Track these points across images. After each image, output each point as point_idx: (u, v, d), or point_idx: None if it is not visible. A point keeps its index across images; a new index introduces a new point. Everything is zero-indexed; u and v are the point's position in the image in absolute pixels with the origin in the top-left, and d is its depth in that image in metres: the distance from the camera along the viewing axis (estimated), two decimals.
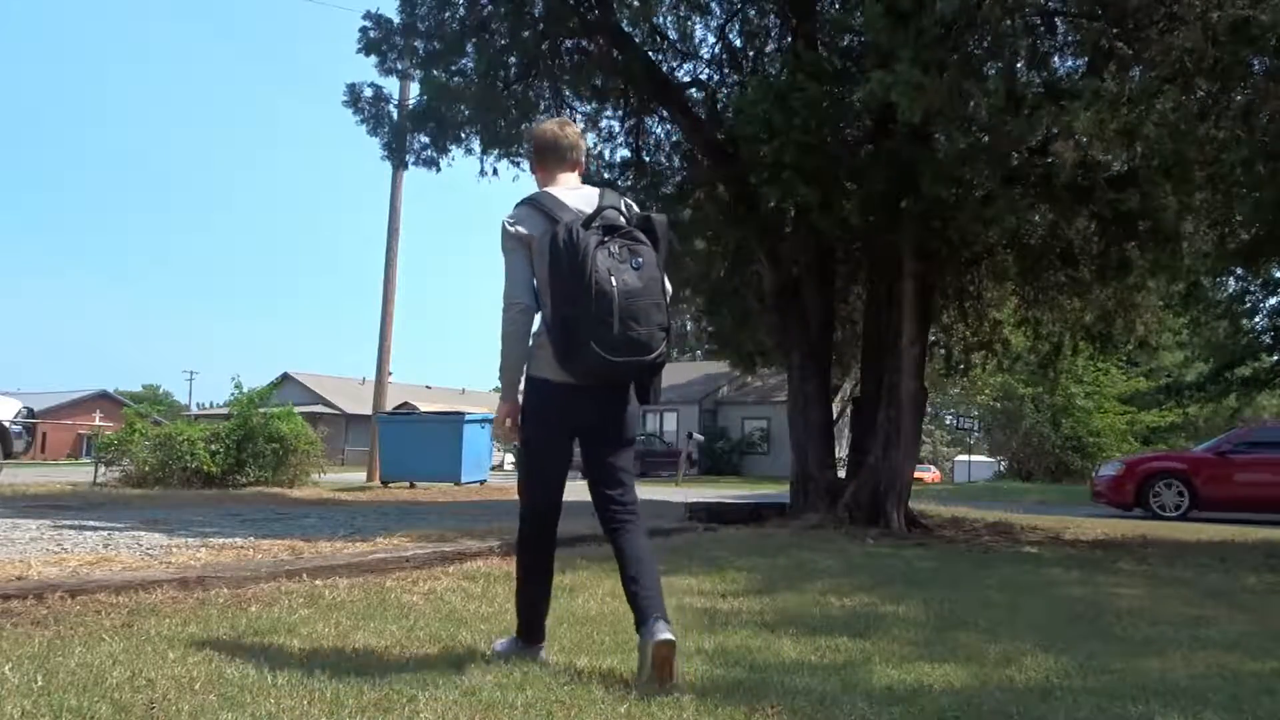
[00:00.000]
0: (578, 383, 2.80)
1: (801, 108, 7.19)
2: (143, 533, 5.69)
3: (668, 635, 2.65)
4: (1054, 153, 6.50)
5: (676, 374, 37.64)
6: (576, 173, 3.02)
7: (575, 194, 2.89)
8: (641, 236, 2.83)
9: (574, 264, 2.66)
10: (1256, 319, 21.95)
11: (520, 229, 2.81)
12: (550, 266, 2.73)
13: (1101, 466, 15.57)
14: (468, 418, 15.30)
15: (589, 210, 2.79)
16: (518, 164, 10.88)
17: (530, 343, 2.87)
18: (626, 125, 11.15)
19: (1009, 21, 6.55)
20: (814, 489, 9.38)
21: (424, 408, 30.48)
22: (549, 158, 3.00)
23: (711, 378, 34.37)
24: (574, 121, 3.17)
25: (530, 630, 3.00)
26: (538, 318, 2.87)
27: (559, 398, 2.85)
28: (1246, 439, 13.70)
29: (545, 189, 2.93)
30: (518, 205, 2.88)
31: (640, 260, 2.79)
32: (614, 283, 2.68)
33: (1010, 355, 12.85)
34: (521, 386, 2.93)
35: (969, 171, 7.06)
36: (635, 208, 2.93)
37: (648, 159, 11.20)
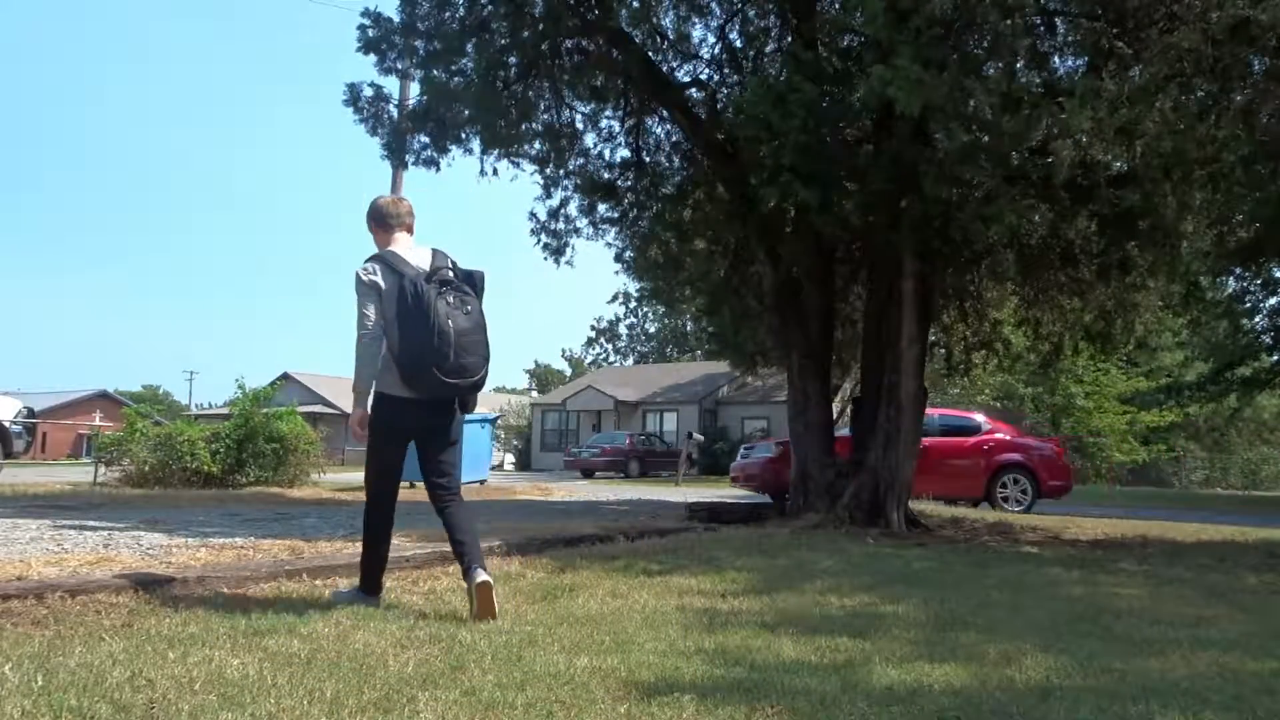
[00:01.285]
0: (418, 397, 3.69)
1: (800, 108, 7.19)
2: (143, 533, 5.69)
3: (486, 578, 3.62)
4: (1053, 152, 6.50)
5: (677, 374, 37.66)
6: (409, 234, 3.89)
7: (412, 253, 3.78)
8: (468, 289, 3.76)
9: (420, 309, 3.55)
10: (1256, 319, 21.97)
11: (374, 279, 3.67)
12: (399, 310, 3.59)
13: (755, 448, 14.39)
14: (467, 418, 15.27)
15: (426, 266, 3.71)
16: (517, 164, 10.89)
17: (379, 366, 3.70)
18: (626, 125, 11.15)
19: (1008, 21, 6.55)
20: (814, 489, 9.38)
21: None
22: (386, 224, 3.88)
23: (711, 378, 34.36)
24: (406, 199, 4.03)
25: (372, 584, 3.90)
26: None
27: (402, 408, 3.74)
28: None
29: (388, 248, 3.80)
30: (368, 260, 3.75)
31: (469, 307, 3.72)
32: (451, 324, 3.59)
33: (1010, 355, 12.80)
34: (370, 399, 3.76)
35: (969, 171, 7.06)
36: (458, 263, 3.83)
37: (648, 159, 11.20)
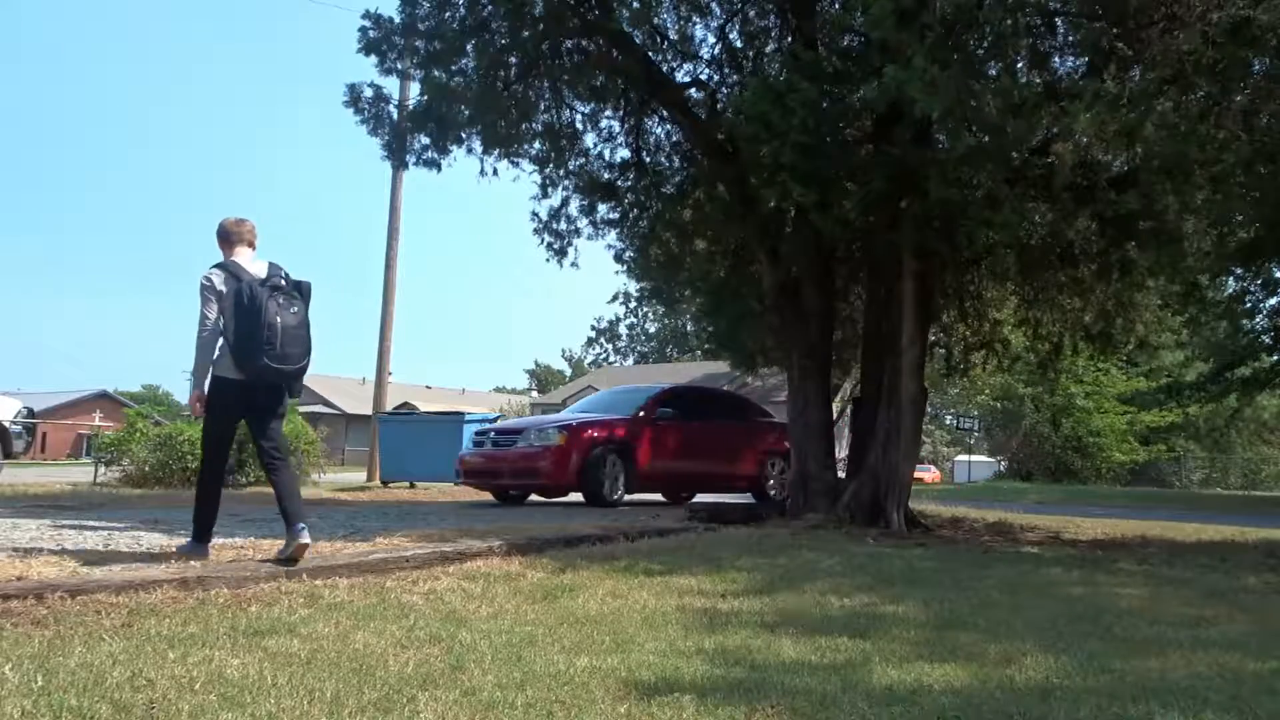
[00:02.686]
0: (249, 380, 4.50)
1: (800, 108, 7.19)
2: (143, 533, 5.68)
3: (307, 539, 4.50)
4: (1054, 153, 6.50)
5: (677, 374, 37.62)
6: (251, 248, 4.68)
7: (251, 265, 4.58)
8: (296, 294, 4.61)
9: (254, 308, 4.38)
10: (1256, 319, 21.95)
11: (216, 284, 4.45)
12: (236, 308, 4.39)
13: (504, 432, 10.83)
14: (468, 417, 15.27)
15: (262, 275, 4.53)
16: (517, 164, 10.88)
17: (215, 354, 4.49)
18: (626, 125, 11.14)
19: (1009, 21, 6.55)
20: (814, 489, 9.38)
21: (424, 408, 30.41)
22: (229, 241, 4.65)
23: (711, 378, 34.31)
24: (250, 219, 4.76)
25: (204, 534, 4.73)
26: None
27: (235, 390, 4.55)
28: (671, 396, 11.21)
29: (231, 259, 4.58)
30: (212, 267, 4.53)
31: (295, 309, 4.55)
32: (279, 320, 4.43)
33: (1010, 355, 12.78)
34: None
35: (973, 173, 7.06)
36: (290, 274, 4.66)
37: (648, 159, 11.19)
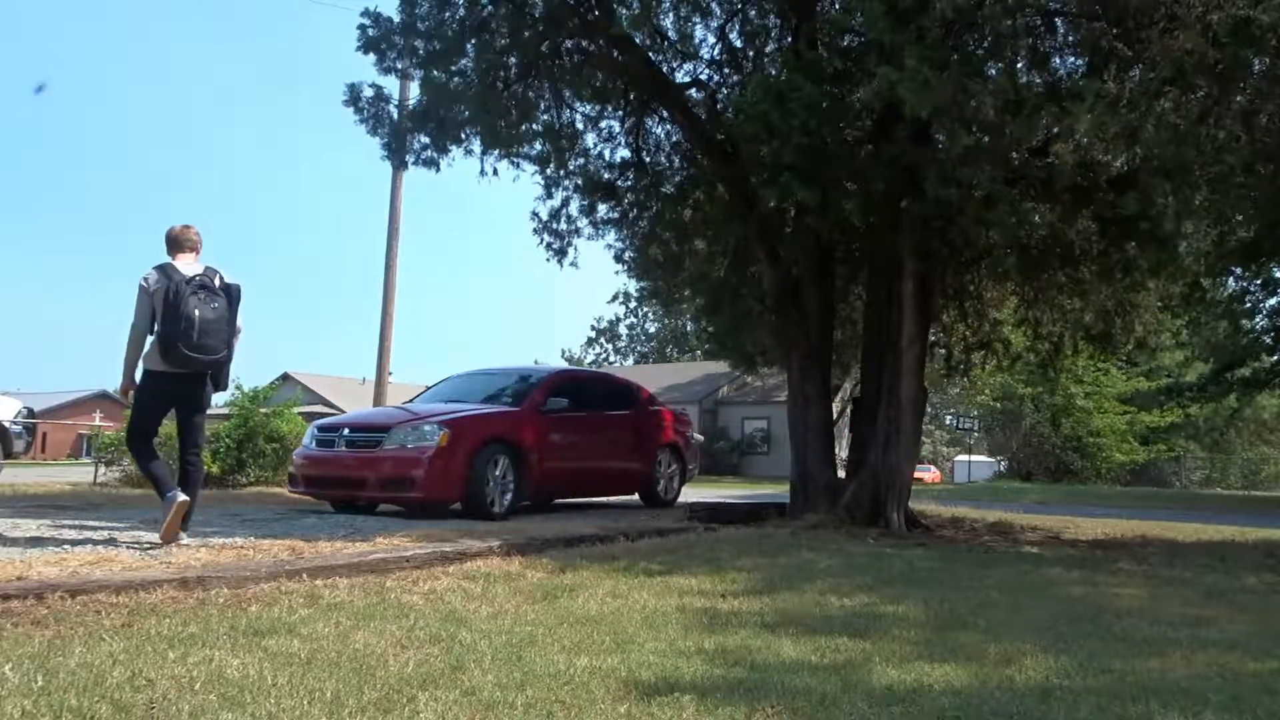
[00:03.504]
0: (173, 370, 5.00)
1: (800, 108, 7.19)
2: (143, 533, 5.69)
3: (185, 498, 5.10)
4: (1054, 153, 6.50)
5: (676, 374, 37.66)
6: (194, 254, 5.19)
7: (188, 267, 5.08)
8: (221, 293, 5.09)
9: (177, 302, 4.88)
10: (1256, 319, 21.97)
11: (150, 284, 4.98)
12: (164, 304, 4.90)
13: (364, 429, 8.21)
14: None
15: (195, 275, 5.05)
16: (517, 164, 10.89)
17: (145, 348, 5.05)
18: (626, 125, 11.15)
19: (1009, 22, 6.55)
20: (814, 489, 9.38)
21: None
22: (175, 245, 5.17)
23: (711, 378, 34.37)
24: (194, 227, 5.27)
25: (166, 487, 5.08)
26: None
27: (162, 381, 5.08)
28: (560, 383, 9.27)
29: (171, 262, 5.08)
30: (152, 269, 5.03)
31: (215, 304, 5.03)
32: (198, 314, 4.92)
33: (1010, 355, 12.79)
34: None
35: (970, 172, 7.06)
36: (226, 278, 5.18)
37: (648, 159, 11.20)
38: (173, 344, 4.88)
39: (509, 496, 7.95)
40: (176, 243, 5.21)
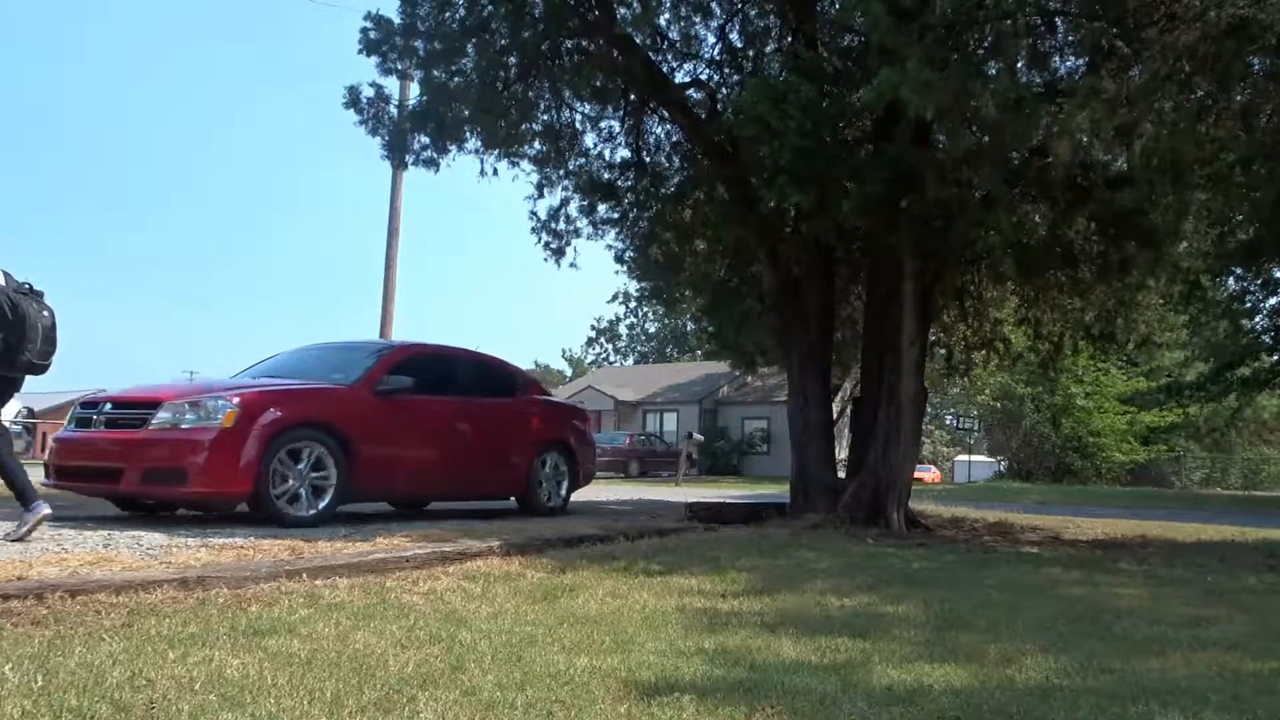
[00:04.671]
0: (10, 375, 5.11)
1: (798, 109, 7.19)
2: (143, 532, 5.68)
3: (48, 510, 5.16)
4: (1052, 152, 6.50)
5: (676, 374, 37.66)
6: None
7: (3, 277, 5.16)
8: (46, 301, 5.25)
9: (18, 312, 4.99)
10: (1256, 319, 21.97)
11: None
12: (4, 313, 4.97)
13: (170, 415, 6.27)
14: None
15: (13, 283, 5.12)
16: (517, 164, 10.91)
17: None
18: (626, 125, 11.16)
19: (1009, 21, 6.55)
20: (814, 489, 9.38)
21: None
22: None
23: (711, 378, 34.36)
24: None
25: (28, 498, 5.11)
26: None
27: (5, 383, 5.14)
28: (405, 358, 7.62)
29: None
30: None
31: (47, 313, 5.20)
32: (40, 323, 5.09)
33: (1010, 355, 12.79)
34: None
35: (972, 173, 7.06)
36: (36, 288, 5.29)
37: (648, 159, 11.21)
38: (20, 350, 5.02)
39: (327, 496, 6.46)
40: None
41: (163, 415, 6.14)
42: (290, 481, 6.31)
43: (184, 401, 6.19)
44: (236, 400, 6.17)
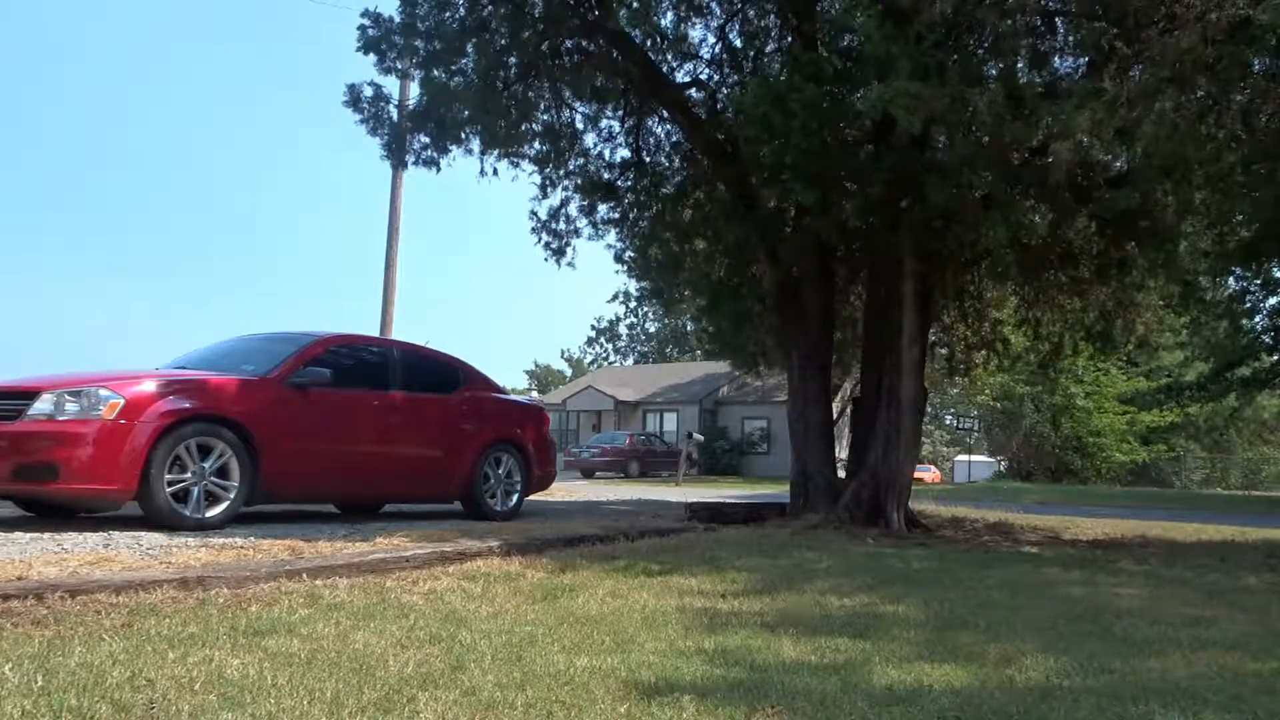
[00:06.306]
0: None
1: (800, 109, 7.19)
2: (143, 533, 5.68)
3: None
4: (1052, 152, 6.50)
5: (676, 374, 37.64)
6: None
7: None
8: None
9: None
10: (1256, 319, 21.96)
11: None
12: None
13: (49, 406, 5.75)
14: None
15: None
16: (517, 164, 10.90)
17: None
18: (626, 125, 11.16)
19: (1009, 22, 6.55)
20: (814, 489, 9.38)
21: None
22: None
23: (711, 378, 34.34)
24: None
25: None
26: None
27: None
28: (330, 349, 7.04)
29: None
30: None
31: None
32: None
33: (1010, 355, 12.79)
34: None
35: (970, 175, 7.06)
36: None
37: (648, 159, 11.21)
38: None
39: (229, 496, 5.99)
40: None
41: (39, 406, 5.67)
42: (189, 479, 5.82)
43: (64, 391, 5.71)
44: (123, 391, 5.68)
